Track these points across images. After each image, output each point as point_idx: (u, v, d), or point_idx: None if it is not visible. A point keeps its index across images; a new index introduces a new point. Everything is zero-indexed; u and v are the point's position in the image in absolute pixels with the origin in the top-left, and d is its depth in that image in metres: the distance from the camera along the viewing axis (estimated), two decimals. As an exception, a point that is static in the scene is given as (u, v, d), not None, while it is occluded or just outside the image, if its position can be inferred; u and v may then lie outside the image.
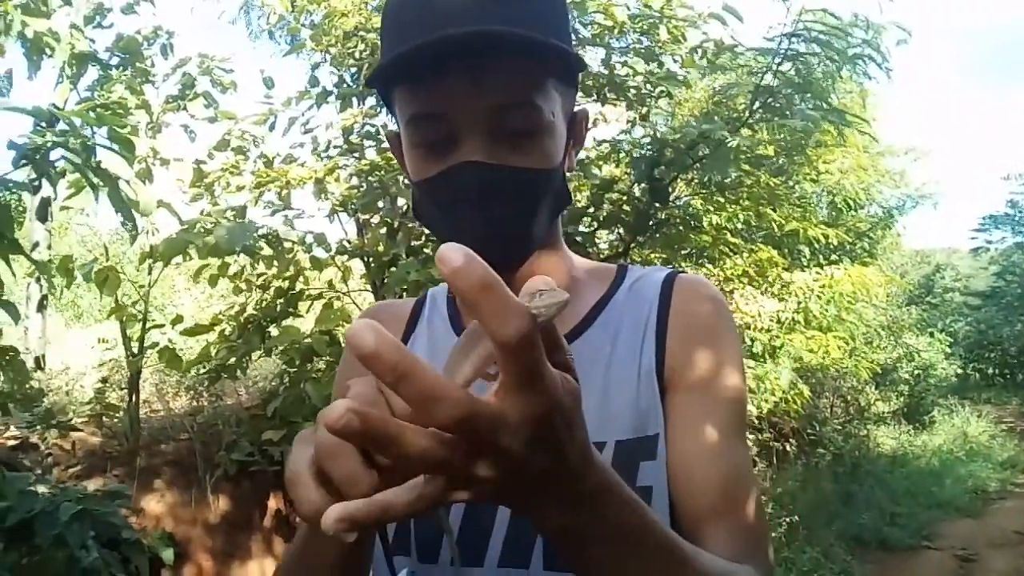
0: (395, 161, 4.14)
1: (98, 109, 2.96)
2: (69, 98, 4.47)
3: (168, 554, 3.54)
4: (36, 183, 2.43)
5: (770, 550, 0.84)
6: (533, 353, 0.44)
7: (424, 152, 0.83)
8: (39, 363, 4.18)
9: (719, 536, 0.78)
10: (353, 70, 4.64)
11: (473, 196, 0.81)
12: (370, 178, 3.98)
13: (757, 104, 4.23)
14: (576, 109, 0.92)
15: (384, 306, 1.13)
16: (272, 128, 4.42)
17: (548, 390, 0.46)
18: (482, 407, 0.44)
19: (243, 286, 4.10)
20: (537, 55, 0.79)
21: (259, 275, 4.06)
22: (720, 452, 0.82)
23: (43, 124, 2.43)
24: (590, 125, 0.96)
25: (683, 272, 0.95)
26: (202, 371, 4.29)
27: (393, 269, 3.77)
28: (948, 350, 14.67)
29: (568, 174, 0.91)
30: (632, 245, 4.87)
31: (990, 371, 16.66)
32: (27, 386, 2.83)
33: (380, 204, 4.10)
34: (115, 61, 4.55)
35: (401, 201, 4.19)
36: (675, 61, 4.54)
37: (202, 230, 3.43)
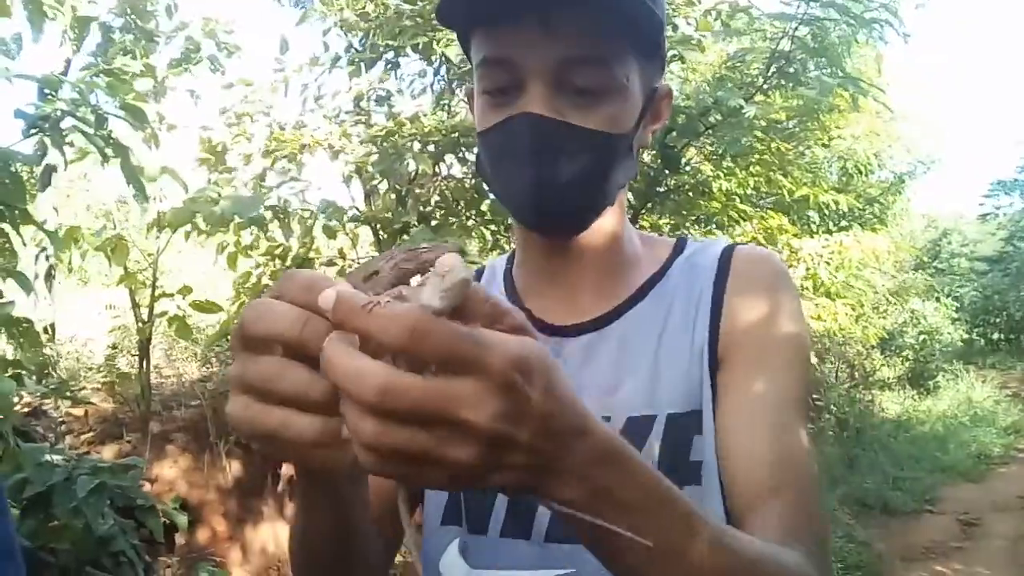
0: (407, 127, 4.15)
1: (104, 76, 2.92)
2: (73, 62, 4.41)
3: (182, 520, 3.58)
4: (42, 152, 2.41)
5: (827, 540, 0.78)
6: (435, 342, 0.43)
7: (489, 100, 0.81)
8: (48, 331, 4.18)
9: (767, 519, 0.73)
10: (362, 35, 4.56)
11: (524, 150, 0.78)
12: (384, 143, 3.93)
13: (772, 70, 4.16)
14: (659, 84, 0.87)
15: None
16: (286, 93, 4.38)
17: (486, 360, 0.44)
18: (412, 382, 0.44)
19: (255, 257, 4.09)
20: (620, 11, 0.75)
21: (277, 245, 4.05)
22: (772, 430, 0.77)
23: (52, 93, 2.39)
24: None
25: (742, 244, 0.91)
26: (214, 338, 4.29)
27: (406, 236, 3.75)
28: (954, 315, 14.69)
29: (640, 149, 0.87)
30: (641, 211, 4.83)
31: (995, 336, 16.71)
32: (40, 355, 2.84)
33: (396, 167, 4.06)
34: (119, 24, 4.48)
35: (411, 167, 4.15)
36: (688, 24, 4.45)
37: (209, 199, 3.41)
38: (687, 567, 0.56)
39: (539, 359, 0.47)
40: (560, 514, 0.52)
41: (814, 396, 8.51)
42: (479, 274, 1.01)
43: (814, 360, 7.12)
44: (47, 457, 2.50)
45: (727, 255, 0.88)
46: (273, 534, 4.24)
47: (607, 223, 0.88)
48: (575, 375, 0.85)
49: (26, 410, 3.93)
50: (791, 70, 4.22)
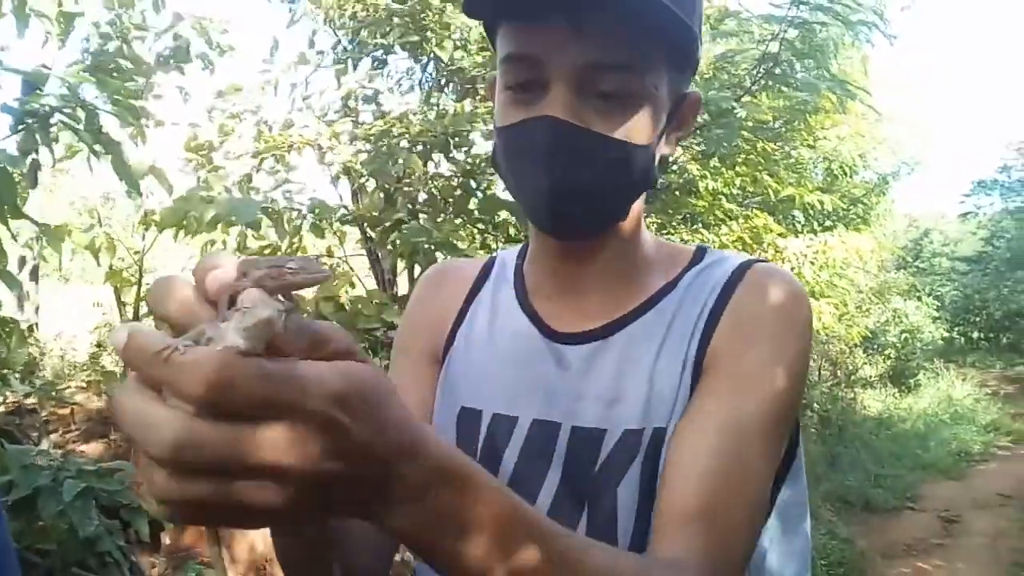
0: (398, 126, 4.15)
1: (92, 72, 2.89)
2: (58, 57, 4.36)
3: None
4: (28, 149, 2.38)
5: (741, 568, 0.73)
6: (243, 391, 0.39)
7: (511, 96, 0.79)
8: (33, 330, 4.14)
9: (677, 543, 0.69)
10: (351, 33, 4.55)
11: (541, 153, 0.76)
12: (379, 143, 3.93)
13: (760, 71, 4.19)
14: (688, 91, 0.85)
15: (451, 265, 1.09)
16: (276, 93, 4.36)
17: (301, 402, 0.41)
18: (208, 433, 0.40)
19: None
20: (651, 19, 0.73)
21: (267, 245, 4.03)
22: (719, 453, 0.73)
23: (40, 88, 2.36)
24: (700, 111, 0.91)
25: (762, 261, 0.86)
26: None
27: (397, 233, 3.74)
28: (935, 314, 14.84)
29: (659, 157, 0.85)
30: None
31: (975, 335, 16.85)
32: (26, 355, 2.81)
33: (387, 166, 4.05)
34: (106, 18, 4.42)
35: (401, 166, 4.14)
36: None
37: (202, 199, 3.38)
38: None
39: (361, 388, 0.43)
40: (400, 541, 0.49)
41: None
42: (490, 264, 0.99)
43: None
44: (33, 459, 2.48)
45: (742, 270, 0.84)
46: (261, 534, 4.22)
47: (622, 232, 0.87)
48: (577, 384, 0.84)
49: (11, 408, 3.89)
50: (779, 71, 4.26)
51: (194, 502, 0.41)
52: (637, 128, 0.78)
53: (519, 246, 0.99)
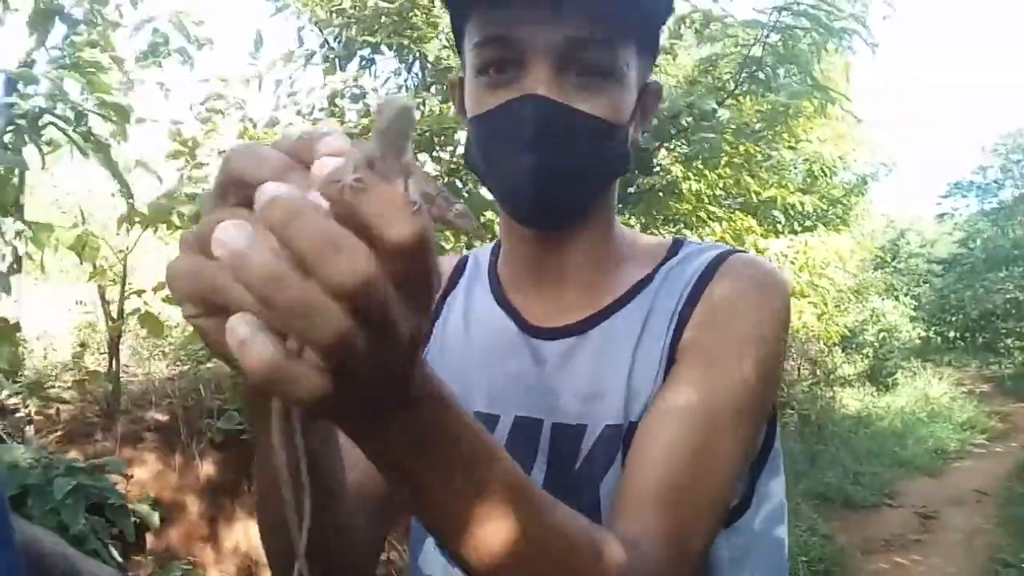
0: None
1: (72, 69, 2.87)
2: (37, 55, 4.29)
3: (154, 519, 3.55)
4: (20, 149, 2.37)
5: (696, 554, 0.71)
6: (427, 249, 0.38)
7: (486, 81, 0.77)
8: (17, 329, 4.08)
9: (635, 526, 0.67)
10: (337, 30, 4.55)
11: (526, 135, 0.74)
12: (362, 139, 3.92)
13: (743, 75, 4.24)
14: (649, 80, 0.84)
15: None
16: (260, 88, 4.34)
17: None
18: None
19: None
20: (628, 2, 0.73)
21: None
22: (684, 439, 0.71)
23: (23, 87, 2.35)
24: (661, 101, 0.89)
25: (740, 252, 0.84)
26: (186, 336, 4.25)
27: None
28: (912, 313, 15.05)
29: (632, 143, 0.84)
30: (613, 211, 4.87)
31: (951, 334, 17.03)
32: (14, 354, 2.80)
33: None
34: (80, 14, 4.36)
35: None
36: (661, 33, 4.52)
37: (184, 196, 3.37)
38: (503, 532, 0.53)
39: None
40: (379, 461, 0.48)
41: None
42: (463, 261, 0.98)
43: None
44: (20, 458, 2.47)
45: (718, 261, 0.82)
46: (246, 534, 4.21)
47: (596, 219, 0.85)
48: (554, 380, 0.83)
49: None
50: (762, 76, 4.31)
51: (287, 300, 0.36)
52: (615, 107, 0.77)
53: (490, 245, 0.97)
